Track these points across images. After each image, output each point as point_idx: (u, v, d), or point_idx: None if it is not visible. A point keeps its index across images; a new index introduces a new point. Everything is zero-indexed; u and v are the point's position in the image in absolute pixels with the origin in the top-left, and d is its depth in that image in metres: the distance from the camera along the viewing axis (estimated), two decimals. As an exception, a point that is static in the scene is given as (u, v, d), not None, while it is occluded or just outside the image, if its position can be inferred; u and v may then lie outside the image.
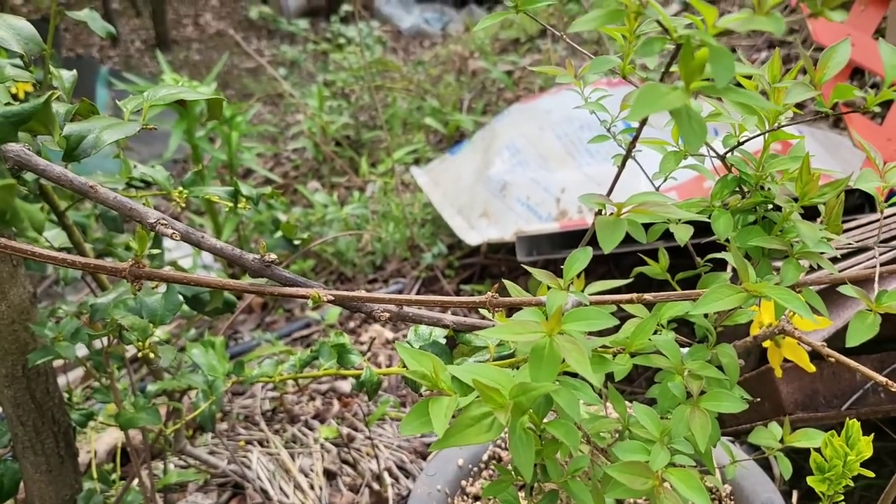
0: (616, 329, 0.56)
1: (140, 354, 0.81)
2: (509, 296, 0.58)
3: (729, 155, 0.61)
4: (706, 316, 0.60)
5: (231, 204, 0.94)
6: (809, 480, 0.57)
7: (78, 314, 0.87)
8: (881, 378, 0.53)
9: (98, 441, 1.34)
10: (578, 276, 0.53)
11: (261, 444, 1.40)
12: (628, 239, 0.51)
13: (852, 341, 0.51)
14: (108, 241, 1.08)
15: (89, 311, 0.80)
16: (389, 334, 1.79)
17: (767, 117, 0.58)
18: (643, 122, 0.53)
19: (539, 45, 3.46)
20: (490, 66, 3.29)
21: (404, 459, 1.33)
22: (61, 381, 1.16)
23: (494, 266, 2.08)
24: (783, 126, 0.58)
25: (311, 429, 1.45)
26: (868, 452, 0.55)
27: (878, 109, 0.57)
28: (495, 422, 0.46)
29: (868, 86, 2.08)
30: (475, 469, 0.96)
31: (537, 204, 1.82)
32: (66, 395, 0.96)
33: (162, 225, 0.58)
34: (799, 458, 0.94)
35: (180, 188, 0.92)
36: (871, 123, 1.77)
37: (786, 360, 0.70)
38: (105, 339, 0.86)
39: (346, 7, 4.35)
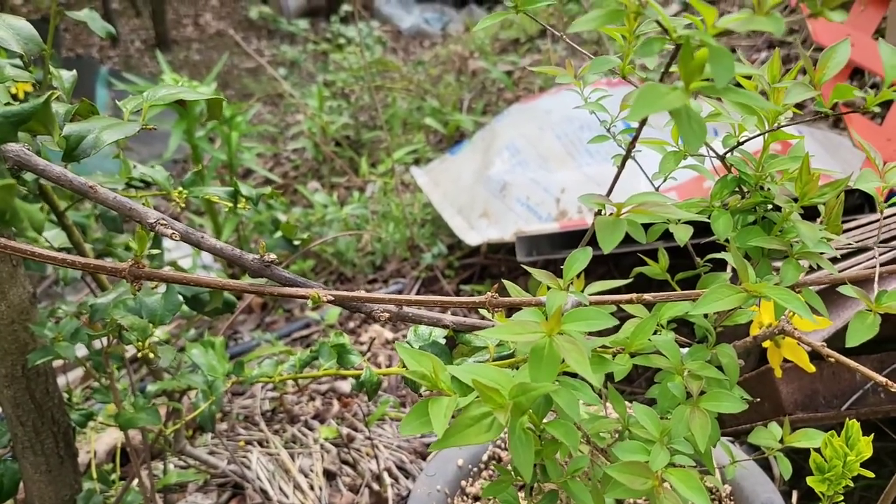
0: (616, 329, 0.56)
1: (140, 354, 0.81)
2: (509, 296, 0.58)
3: (729, 155, 0.61)
4: (706, 316, 0.60)
5: (231, 204, 0.94)
6: (809, 481, 0.57)
7: (77, 314, 0.87)
8: (881, 378, 0.53)
9: (98, 441, 1.34)
10: (578, 276, 0.53)
11: (260, 444, 1.40)
12: (628, 239, 0.51)
13: (852, 341, 0.51)
14: (108, 241, 1.08)
15: (89, 312, 0.80)
16: (389, 334, 1.79)
17: (767, 117, 0.58)
18: (643, 123, 0.53)
19: (539, 46, 3.46)
20: (490, 66, 3.29)
21: (404, 460, 1.33)
22: (61, 381, 1.16)
23: (494, 266, 2.08)
24: (783, 126, 0.58)
25: (310, 429, 1.45)
26: (868, 453, 0.55)
27: (877, 110, 0.56)
28: (495, 422, 0.46)
29: (868, 86, 2.09)
30: (475, 469, 0.96)
31: (537, 204, 1.82)
32: (65, 396, 0.96)
33: (161, 225, 0.58)
34: (799, 458, 0.94)
35: (180, 188, 0.92)
36: (870, 124, 1.77)
37: (786, 361, 0.70)
38: (105, 340, 0.86)
39: (346, 7, 4.35)
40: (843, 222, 0.60)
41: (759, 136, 0.59)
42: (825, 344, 0.56)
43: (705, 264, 0.66)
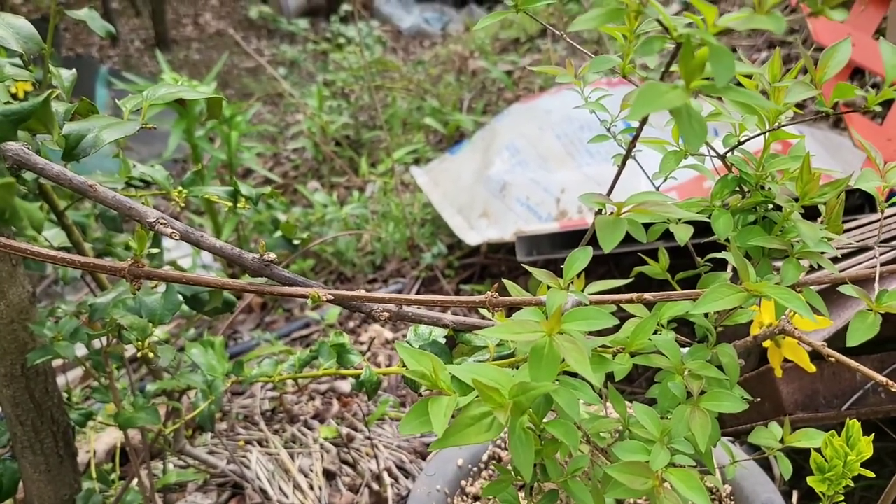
0: (616, 329, 0.56)
1: (139, 354, 0.81)
2: (509, 295, 0.58)
3: (729, 154, 0.61)
4: (706, 316, 0.60)
5: (230, 203, 0.94)
6: (809, 480, 0.57)
7: (77, 314, 0.87)
8: (881, 378, 0.53)
9: (97, 441, 1.34)
10: (578, 275, 0.53)
11: (260, 443, 1.40)
12: (628, 239, 0.51)
13: (853, 341, 0.51)
14: (108, 240, 1.08)
15: (88, 311, 0.80)
16: (389, 334, 1.79)
17: (768, 117, 0.58)
18: (643, 122, 0.53)
19: (539, 45, 3.46)
20: (490, 65, 3.29)
21: (404, 459, 1.33)
22: (60, 380, 1.16)
23: (494, 266, 2.08)
24: (783, 126, 0.58)
25: (310, 429, 1.45)
26: (868, 453, 0.55)
27: (878, 109, 0.56)
28: (495, 421, 0.46)
29: (868, 86, 2.08)
30: (475, 469, 0.96)
31: (537, 204, 1.82)
32: (65, 395, 0.96)
33: (161, 224, 0.58)
34: (799, 458, 0.94)
35: (180, 188, 0.92)
36: (871, 123, 1.77)
37: (786, 360, 0.70)
38: (104, 339, 0.86)
39: (345, 7, 4.35)
40: (844, 222, 0.60)
41: (759, 135, 0.59)
42: (826, 344, 0.56)
43: (706, 264, 0.66)
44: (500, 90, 3.19)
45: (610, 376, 0.58)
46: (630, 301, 0.55)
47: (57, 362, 1.01)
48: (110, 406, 1.10)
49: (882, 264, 0.56)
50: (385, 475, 1.28)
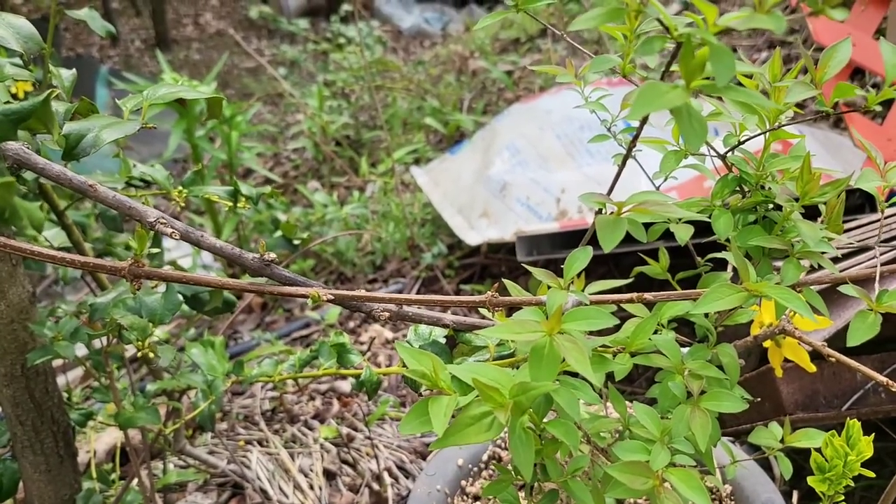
0: (616, 329, 0.56)
1: (139, 354, 0.81)
2: (509, 295, 0.58)
3: (729, 154, 0.61)
4: (706, 315, 0.60)
5: (231, 203, 0.94)
6: (810, 480, 0.57)
7: (77, 313, 0.87)
8: (882, 378, 0.53)
9: (97, 441, 1.34)
10: (578, 275, 0.53)
11: (260, 443, 1.40)
12: (628, 238, 0.51)
13: (853, 341, 0.51)
14: (108, 240, 1.08)
15: (88, 311, 0.80)
16: (389, 334, 1.79)
17: (768, 116, 0.58)
18: (643, 122, 0.53)
19: (539, 45, 3.46)
20: (490, 65, 3.29)
21: (404, 459, 1.33)
22: (60, 380, 1.16)
23: (494, 266, 2.08)
24: (784, 125, 0.58)
25: (310, 429, 1.45)
26: (868, 452, 0.55)
27: (878, 109, 0.56)
28: (495, 421, 0.46)
29: (869, 86, 2.08)
30: (475, 469, 0.96)
31: (537, 204, 1.82)
32: (65, 395, 0.96)
33: (161, 224, 0.58)
34: (799, 458, 0.94)
35: (180, 187, 0.92)
36: (871, 123, 1.77)
37: (786, 360, 0.70)
38: (104, 339, 0.86)
39: (346, 7, 4.35)
40: (844, 222, 0.60)
41: (760, 135, 0.59)
42: (826, 343, 0.56)
43: (706, 264, 0.66)
44: (501, 90, 3.19)
45: (610, 376, 0.58)
46: (630, 301, 0.55)
47: (57, 362, 1.01)
48: (110, 406, 1.10)
49: (882, 264, 0.56)
50: (385, 475, 1.28)
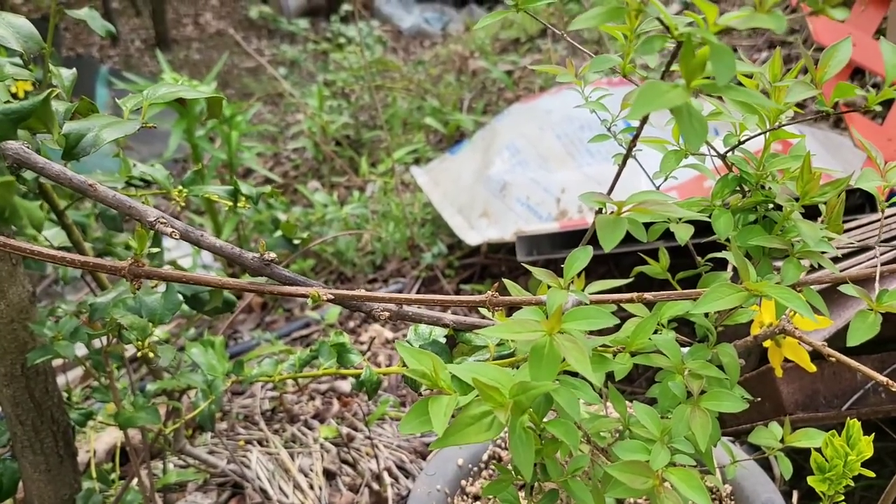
0: (616, 328, 0.56)
1: (139, 354, 0.81)
2: (509, 295, 0.58)
3: (730, 154, 0.61)
4: (707, 315, 0.60)
5: (231, 203, 0.94)
6: (810, 480, 0.57)
7: (77, 313, 0.87)
8: (882, 378, 0.53)
9: (97, 440, 1.34)
10: (579, 275, 0.53)
11: (260, 443, 1.40)
12: (629, 238, 0.51)
13: (853, 341, 0.51)
14: (108, 240, 1.08)
15: (88, 311, 0.80)
16: (389, 334, 1.79)
17: (768, 116, 0.58)
18: (644, 121, 0.53)
19: (539, 45, 3.46)
20: (490, 65, 3.29)
21: (404, 459, 1.33)
22: (60, 380, 1.16)
23: (494, 266, 2.08)
24: (784, 125, 0.58)
25: (310, 428, 1.45)
26: (869, 452, 0.55)
27: (878, 109, 0.56)
28: (495, 421, 0.46)
29: (869, 86, 2.08)
30: (475, 469, 0.96)
31: (537, 204, 1.82)
32: (65, 395, 0.96)
33: (161, 223, 0.58)
34: (799, 458, 0.94)
35: (180, 187, 0.92)
36: (871, 123, 1.77)
37: (786, 360, 0.70)
38: (104, 339, 0.86)
39: (346, 7, 4.35)
40: (844, 222, 0.60)
41: (760, 135, 0.59)
42: (826, 343, 0.56)
43: (706, 263, 0.66)
44: (501, 90, 3.19)
45: (610, 376, 0.58)
46: (630, 300, 0.55)
47: (57, 362, 1.01)
48: (110, 406, 1.10)
49: (882, 264, 0.56)
50: (385, 475, 1.28)
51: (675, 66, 0.42)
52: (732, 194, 0.61)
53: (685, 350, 0.59)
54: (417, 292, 2.03)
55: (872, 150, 0.59)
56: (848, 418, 0.56)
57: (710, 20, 0.39)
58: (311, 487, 1.28)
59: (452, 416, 0.46)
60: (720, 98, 0.52)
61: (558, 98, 2.13)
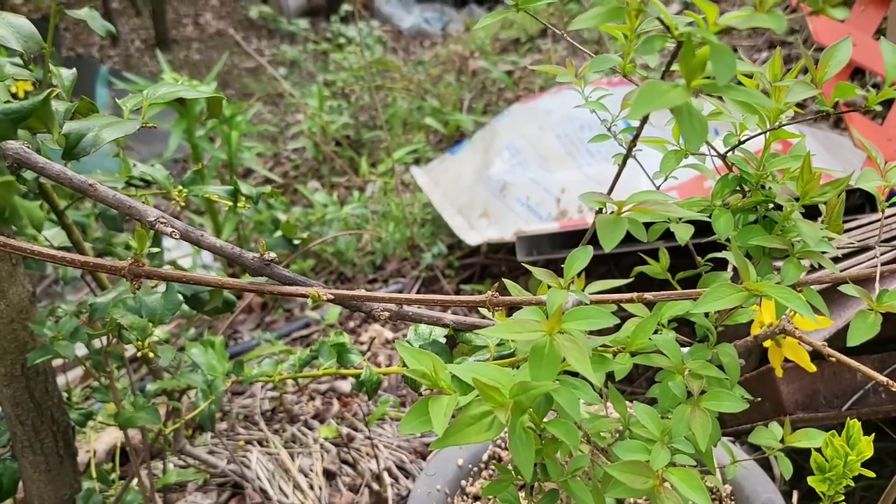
0: (616, 328, 0.56)
1: (139, 354, 0.81)
2: (509, 295, 0.58)
3: (730, 154, 0.61)
4: (707, 315, 0.60)
5: (231, 203, 0.94)
6: (810, 480, 0.57)
7: (77, 313, 0.87)
8: (882, 378, 0.53)
9: (97, 440, 1.34)
10: (579, 275, 0.53)
11: (260, 443, 1.40)
12: (629, 238, 0.51)
13: (853, 341, 0.51)
14: (108, 240, 1.08)
15: (88, 311, 0.80)
16: (389, 334, 1.79)
17: (768, 116, 0.58)
18: (644, 121, 0.53)
19: (539, 45, 3.46)
20: (490, 65, 3.29)
21: (404, 459, 1.33)
22: (60, 380, 1.16)
23: (495, 266, 2.08)
24: (784, 125, 0.58)
25: (310, 428, 1.45)
26: (869, 452, 0.55)
27: (878, 109, 0.56)
28: (495, 421, 0.46)
29: (869, 86, 2.08)
30: (475, 469, 0.96)
31: (537, 204, 1.82)
32: (65, 395, 0.96)
33: (161, 223, 0.58)
34: (799, 458, 0.94)
35: (180, 187, 0.92)
36: (871, 124, 1.77)
37: (786, 360, 0.70)
38: (104, 339, 0.86)
39: (346, 7, 4.35)
40: (845, 221, 0.60)
41: (760, 134, 0.59)
42: (826, 343, 0.56)
43: (706, 263, 0.66)
44: (501, 90, 3.19)
45: (610, 376, 0.58)
46: (630, 300, 0.55)
47: (57, 362, 1.01)
48: (110, 406, 1.10)
49: (883, 264, 0.56)
50: (385, 475, 1.28)
51: (675, 66, 0.42)
52: (732, 194, 0.61)
53: (685, 350, 0.59)
54: (417, 292, 2.03)
55: (872, 149, 0.59)
56: (848, 418, 0.56)
57: (711, 20, 0.39)
58: (311, 487, 1.28)
59: (452, 417, 0.46)
60: (720, 98, 0.52)
61: (558, 98, 2.13)
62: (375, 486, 1.27)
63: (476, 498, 0.93)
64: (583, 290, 0.53)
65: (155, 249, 1.02)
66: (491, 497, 0.67)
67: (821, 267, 0.56)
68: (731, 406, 0.55)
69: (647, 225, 0.57)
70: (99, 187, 0.60)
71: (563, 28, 2.97)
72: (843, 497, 0.57)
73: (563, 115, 1.98)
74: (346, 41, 4.08)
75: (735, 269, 0.54)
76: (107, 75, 3.45)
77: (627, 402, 0.60)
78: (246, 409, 1.52)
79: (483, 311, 0.63)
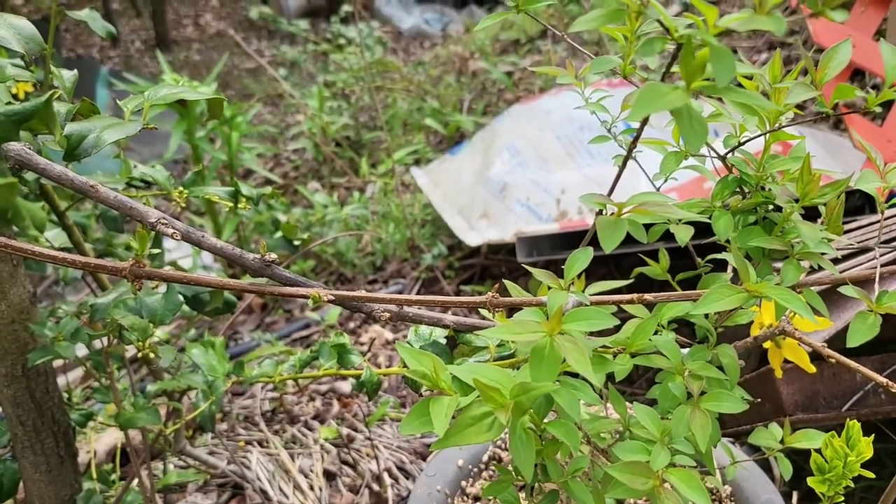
0: (616, 329, 0.56)
1: (140, 354, 0.81)
2: (510, 296, 0.58)
3: (730, 155, 0.61)
4: (707, 316, 0.60)
5: (231, 204, 0.94)
6: (810, 481, 0.57)
7: (78, 314, 0.87)
8: (882, 379, 0.53)
9: (98, 441, 1.34)
10: (579, 276, 0.53)
11: (260, 444, 1.40)
12: (629, 239, 0.51)
13: (853, 342, 0.51)
14: (109, 241, 1.08)
15: (89, 311, 0.80)
16: (389, 335, 1.79)
17: (768, 118, 0.58)
18: (644, 123, 0.53)
19: (539, 46, 3.46)
20: (490, 66, 3.30)
21: (404, 460, 1.33)
22: (61, 381, 1.16)
23: (495, 267, 2.08)
24: (784, 127, 0.58)
25: (310, 429, 1.45)
26: (868, 453, 0.55)
27: (878, 110, 0.56)
28: (496, 421, 0.46)
29: (869, 87, 2.08)
30: (475, 470, 0.96)
31: (537, 205, 1.82)
32: (65, 395, 0.96)
33: (163, 224, 0.58)
34: (799, 459, 0.94)
35: (180, 188, 0.92)
36: (871, 125, 1.77)
37: (786, 361, 0.70)
38: (105, 339, 0.86)
39: (346, 7, 4.35)
40: (844, 223, 0.60)
41: (760, 136, 0.59)
42: (826, 344, 0.56)
43: (706, 265, 0.66)
44: (501, 91, 3.19)
45: (610, 377, 0.58)
46: (630, 302, 0.55)
47: (58, 362, 1.01)
48: (111, 406, 1.10)
49: (882, 265, 0.56)
50: (385, 476, 1.28)
51: (675, 68, 0.43)
52: (732, 196, 0.61)
53: (685, 351, 0.59)
54: (417, 293, 2.03)
55: (872, 151, 0.59)
56: (847, 419, 0.56)
57: (710, 22, 0.39)
58: (312, 488, 1.28)
59: (453, 417, 0.47)
60: (720, 99, 0.52)
61: (558, 99, 2.13)
62: (375, 487, 1.27)
63: (476, 499, 0.93)
64: (583, 291, 0.53)
65: (156, 250, 1.02)
66: (491, 498, 0.67)
67: (820, 268, 0.56)
68: (731, 407, 0.55)
69: (647, 226, 0.58)
70: (100, 188, 0.60)
71: (563, 29, 2.97)
72: (842, 498, 0.57)
73: (563, 117, 1.99)
74: (346, 42, 4.09)
75: (735, 270, 0.54)
76: (107, 76, 3.45)
77: (627, 403, 0.60)
78: (246, 410, 1.52)
79: (483, 312, 0.63)
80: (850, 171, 0.82)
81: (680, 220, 0.61)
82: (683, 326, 0.65)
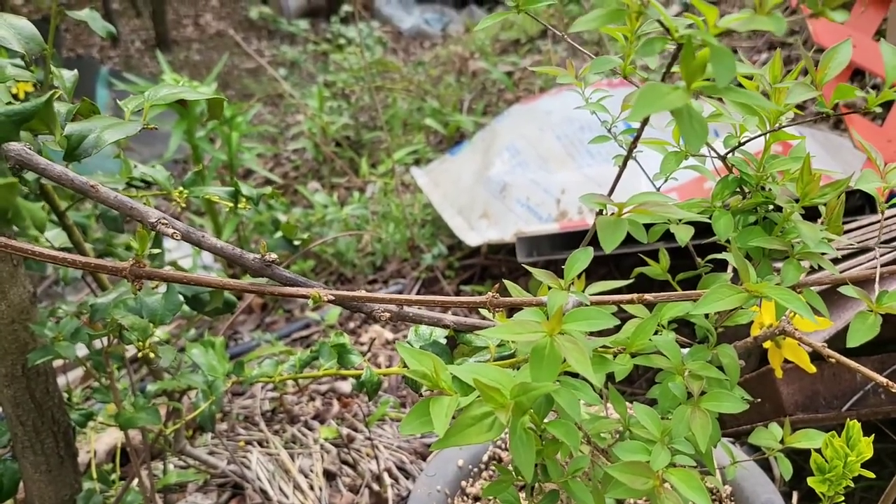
0: (617, 329, 0.56)
1: (140, 354, 0.81)
2: (510, 296, 0.58)
3: (730, 155, 0.61)
4: (707, 316, 0.60)
5: (231, 204, 0.94)
6: (810, 481, 0.57)
7: (78, 314, 0.87)
8: (882, 379, 0.53)
9: (98, 441, 1.34)
10: (579, 276, 0.53)
11: (260, 444, 1.40)
12: (629, 239, 0.51)
13: (853, 342, 0.51)
14: (109, 241, 1.08)
15: (89, 311, 0.80)
16: (389, 335, 1.79)
17: (768, 118, 0.58)
18: (644, 123, 0.53)
19: (539, 46, 3.46)
20: (490, 66, 3.30)
21: (404, 460, 1.33)
22: (61, 381, 1.16)
23: (495, 267, 2.08)
24: (784, 127, 0.58)
25: (310, 429, 1.45)
26: (868, 453, 0.55)
27: (878, 110, 0.56)
28: (496, 421, 0.46)
29: (869, 87, 2.08)
30: (475, 470, 0.96)
31: (537, 205, 1.82)
32: (65, 395, 0.96)
33: (163, 224, 0.58)
34: (799, 459, 0.94)
35: (181, 188, 0.92)
36: (871, 125, 1.77)
37: (786, 361, 0.70)
38: (105, 339, 0.86)
39: (346, 7, 4.35)
40: (844, 223, 0.60)
41: (760, 136, 0.59)
42: (826, 344, 0.56)
43: (706, 265, 0.66)
44: (501, 91, 3.19)
45: (610, 377, 0.58)
46: (631, 302, 0.55)
47: (58, 362, 1.01)
48: (111, 406, 1.10)
49: (882, 265, 0.56)
50: (385, 476, 1.28)
51: (675, 68, 0.43)
52: (732, 196, 0.61)
53: (685, 351, 0.59)
54: (418, 293, 2.03)
55: (872, 151, 0.59)
56: (848, 419, 0.56)
57: (710, 22, 0.39)
58: (312, 488, 1.28)
59: (453, 417, 0.47)
60: (720, 100, 0.52)
61: (558, 99, 2.13)
62: (375, 487, 1.27)
63: (476, 499, 0.93)
64: (583, 291, 0.53)
65: (156, 250, 1.02)
66: (491, 498, 0.67)
67: (820, 268, 0.56)
68: (731, 407, 0.55)
69: (648, 226, 0.58)
70: (100, 188, 0.60)
71: (563, 29, 2.97)
72: (842, 498, 0.57)
73: (563, 117, 1.99)
74: (346, 42, 4.09)
75: (735, 270, 0.54)
76: (107, 76, 3.45)
77: (627, 403, 0.60)
78: (246, 410, 1.52)
79: (483, 312, 0.63)
80: (851, 171, 0.82)
81: (680, 220, 0.61)
82: (683, 326, 0.65)
